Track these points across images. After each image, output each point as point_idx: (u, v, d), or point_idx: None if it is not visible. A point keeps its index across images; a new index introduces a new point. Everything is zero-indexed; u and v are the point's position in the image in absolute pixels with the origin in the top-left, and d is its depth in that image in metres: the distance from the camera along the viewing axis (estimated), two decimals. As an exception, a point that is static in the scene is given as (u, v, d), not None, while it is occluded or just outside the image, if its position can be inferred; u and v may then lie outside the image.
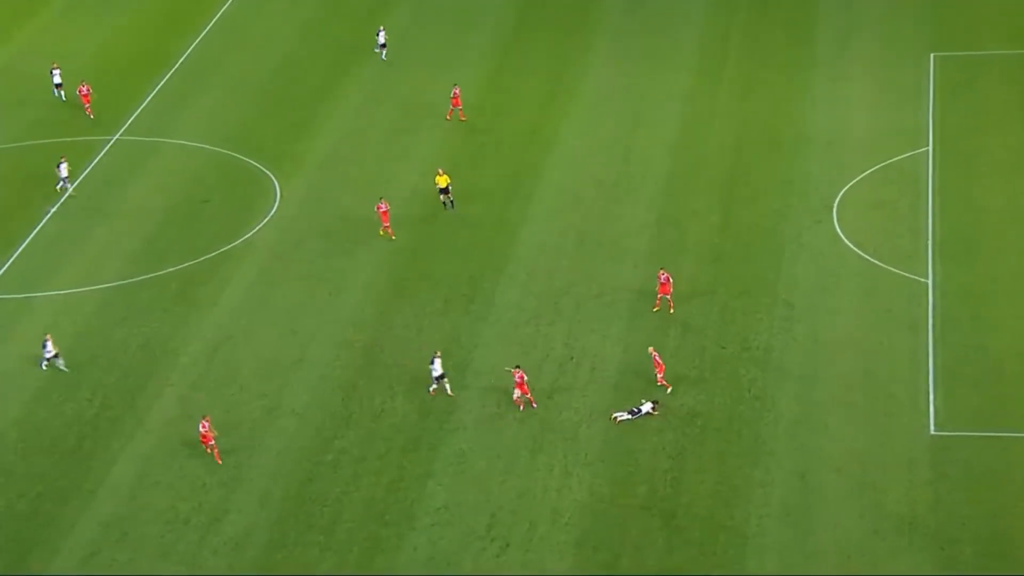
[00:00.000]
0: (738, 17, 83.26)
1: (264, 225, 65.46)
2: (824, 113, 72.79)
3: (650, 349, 54.43)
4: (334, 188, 68.38)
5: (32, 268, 62.84)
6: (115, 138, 73.11)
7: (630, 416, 52.54)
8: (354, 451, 51.78)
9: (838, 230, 63.42)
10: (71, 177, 68.01)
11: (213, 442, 50.96)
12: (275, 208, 66.93)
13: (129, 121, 74.57)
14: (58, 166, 67.74)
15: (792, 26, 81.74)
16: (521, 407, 53.00)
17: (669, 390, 53.75)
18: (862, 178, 67.08)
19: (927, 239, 62.43)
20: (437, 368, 53.65)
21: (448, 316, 58.87)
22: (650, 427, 52.36)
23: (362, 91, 77.20)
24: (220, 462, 50.84)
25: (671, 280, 57.83)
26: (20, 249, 64.18)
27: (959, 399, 53.29)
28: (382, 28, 78.85)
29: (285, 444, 52.20)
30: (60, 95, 75.59)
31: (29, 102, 76.77)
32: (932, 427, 52.05)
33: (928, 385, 53.95)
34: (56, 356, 55.80)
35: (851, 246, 62.28)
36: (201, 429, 50.89)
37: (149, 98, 76.89)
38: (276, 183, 68.94)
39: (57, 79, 75.42)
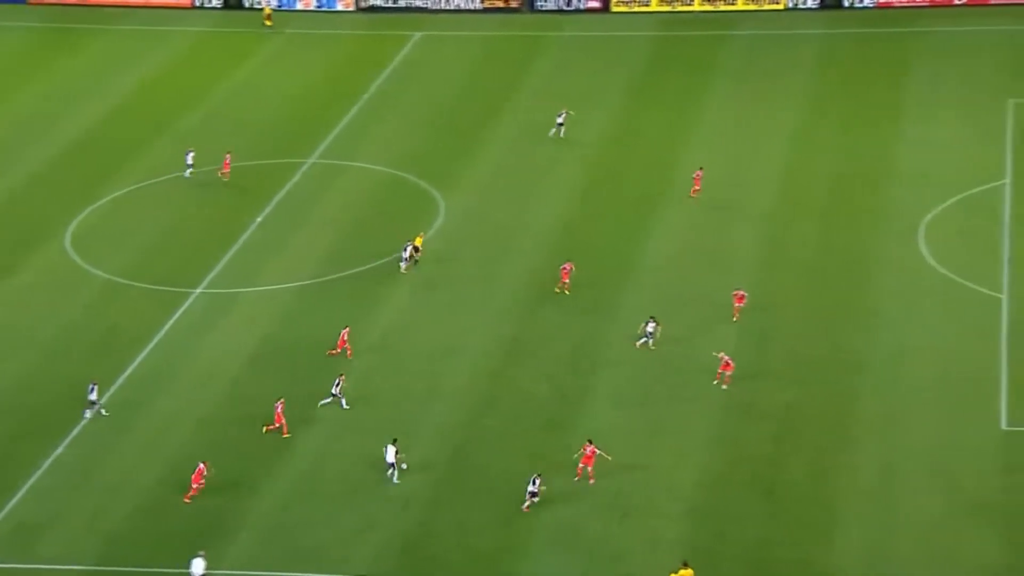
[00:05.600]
0: (841, 65, 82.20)
1: (429, 236, 66.30)
2: (913, 149, 71.49)
3: (720, 353, 53.55)
4: (489, 206, 68.96)
5: (240, 268, 64.40)
6: (311, 161, 74.66)
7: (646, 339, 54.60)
8: (500, 428, 52.19)
9: (923, 250, 62.21)
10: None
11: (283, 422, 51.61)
12: (439, 221, 67.77)
13: (322, 147, 76.08)
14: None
15: (887, 73, 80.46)
16: (592, 480, 48.41)
17: (725, 387, 53.11)
18: (945, 206, 65.72)
19: (1003, 260, 60.92)
20: (390, 455, 49.24)
21: (583, 316, 59.03)
22: (754, 417, 51.92)
23: (516, 125, 77.74)
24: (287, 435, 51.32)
25: (744, 296, 57.43)
26: (231, 252, 65.82)
27: (1028, 400, 52.00)
28: (564, 111, 74.52)
29: (443, 420, 52.76)
30: (188, 174, 71.36)
31: (246, 128, 78.38)
32: (1004, 423, 50.84)
33: (1000, 386, 52.68)
34: (95, 403, 52.56)
35: (934, 264, 61.06)
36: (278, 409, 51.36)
37: (339, 128, 78.38)
38: (440, 200, 69.81)
39: (189, 160, 71.88)
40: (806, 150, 72.40)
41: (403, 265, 62.39)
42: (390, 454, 49.50)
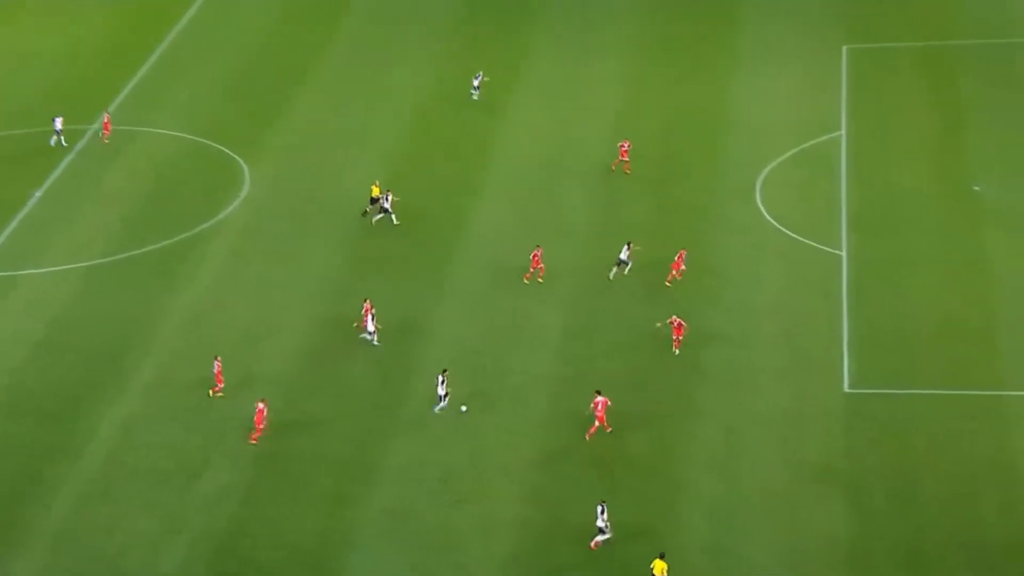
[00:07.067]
0: (668, 12, 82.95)
1: (235, 207, 64.64)
2: (746, 100, 72.67)
3: (672, 318, 53.66)
4: (298, 173, 67.56)
5: (20, 248, 61.70)
6: (95, 127, 71.85)
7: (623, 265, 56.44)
8: (322, 414, 51.24)
9: (760, 207, 63.42)
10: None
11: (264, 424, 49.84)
12: (245, 191, 66.12)
13: (108, 111, 73.24)
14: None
15: (716, 20, 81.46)
16: (608, 428, 49.21)
17: (676, 351, 53.61)
18: (782, 160, 67.10)
19: (841, 215, 62.58)
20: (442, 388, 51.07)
21: (407, 289, 58.37)
22: (592, 390, 52.15)
23: (325, 84, 76.27)
24: (254, 442, 49.74)
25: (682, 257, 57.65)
26: (8, 231, 63.05)
27: (870, 360, 53.47)
28: (480, 74, 73.35)
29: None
30: (60, 141, 69.16)
31: (11, 93, 75.26)
32: (846, 385, 52.22)
33: (842, 348, 54.08)
34: None
35: (772, 221, 62.28)
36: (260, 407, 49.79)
37: (126, 91, 75.69)
38: (245, 168, 68.10)
39: (58, 126, 69.02)
40: (637, 105, 72.89)
41: (375, 218, 61.27)
42: (441, 386, 50.40)
